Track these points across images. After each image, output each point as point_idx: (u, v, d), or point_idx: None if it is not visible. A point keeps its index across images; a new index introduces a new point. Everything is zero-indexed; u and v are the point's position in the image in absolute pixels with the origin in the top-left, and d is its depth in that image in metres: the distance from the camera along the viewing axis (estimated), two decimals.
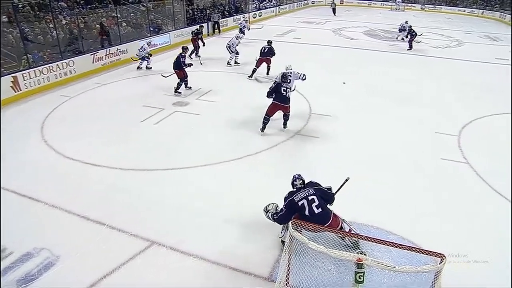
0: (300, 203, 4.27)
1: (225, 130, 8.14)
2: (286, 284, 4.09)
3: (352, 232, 4.48)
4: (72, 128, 7.94)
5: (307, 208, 4.24)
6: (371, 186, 6.03)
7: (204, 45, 14.42)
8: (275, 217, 4.52)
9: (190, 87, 10.47)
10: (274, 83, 7.83)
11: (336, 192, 4.61)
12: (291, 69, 8.78)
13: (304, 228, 3.76)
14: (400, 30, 19.00)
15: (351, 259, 3.01)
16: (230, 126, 8.34)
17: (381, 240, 3.50)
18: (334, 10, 28.20)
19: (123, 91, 10.52)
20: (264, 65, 11.89)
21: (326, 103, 9.69)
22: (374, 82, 11.73)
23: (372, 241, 3.44)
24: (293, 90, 8.06)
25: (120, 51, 13.26)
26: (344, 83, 11.38)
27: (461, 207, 5.75)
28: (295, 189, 4.48)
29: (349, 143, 7.65)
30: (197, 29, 14.74)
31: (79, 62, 11.60)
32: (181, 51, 10.19)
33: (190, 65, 10.19)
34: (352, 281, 3.11)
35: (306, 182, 4.57)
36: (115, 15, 14.79)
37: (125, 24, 15.29)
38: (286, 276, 4.06)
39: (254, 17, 24.19)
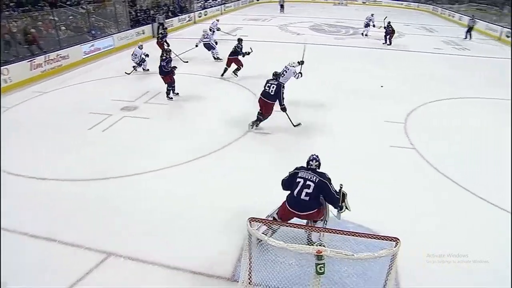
0: (297, 180, 4.29)
1: (178, 133, 7.98)
2: (249, 283, 4.07)
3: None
4: (13, 142, 7.39)
5: (298, 188, 4.25)
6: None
7: (169, 46, 13.75)
8: (283, 178, 4.51)
9: (177, 93, 9.98)
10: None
11: (343, 199, 4.31)
12: (293, 65, 8.84)
13: (263, 224, 3.75)
14: (366, 25, 19.31)
15: (310, 252, 3.04)
16: (182, 128, 8.20)
17: (339, 230, 3.56)
18: (282, 7, 28.41)
19: (66, 99, 9.95)
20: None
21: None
22: (326, 76, 11.99)
23: (331, 232, 3.50)
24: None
25: (60, 57, 12.57)
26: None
27: (414, 193, 6.02)
28: (306, 167, 4.42)
29: (303, 137, 7.76)
30: (161, 33, 14.33)
31: (15, 70, 10.84)
32: (162, 55, 9.79)
33: (175, 68, 9.73)
34: (313, 273, 3.13)
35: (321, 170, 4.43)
36: (52, 18, 14.00)
37: (64, 27, 14.52)
38: (249, 275, 4.03)
39: (200, 16, 23.92)
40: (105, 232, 4.94)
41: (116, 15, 17.06)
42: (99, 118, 8.47)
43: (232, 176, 6.30)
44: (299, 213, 4.30)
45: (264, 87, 7.67)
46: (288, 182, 4.44)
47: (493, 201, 5.76)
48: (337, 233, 3.51)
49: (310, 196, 4.22)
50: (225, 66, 11.69)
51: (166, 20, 19.12)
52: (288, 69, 8.83)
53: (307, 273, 3.62)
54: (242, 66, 11.61)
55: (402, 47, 17.07)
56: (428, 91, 10.78)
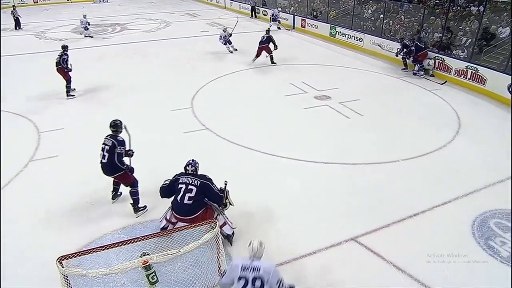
0: (179, 186, 4.33)
1: None
2: None
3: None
4: None
5: (180, 194, 4.30)
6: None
7: None
8: (161, 186, 4.55)
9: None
10: None
11: (226, 196, 4.54)
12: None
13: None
14: (273, 20, 18.76)
15: (137, 266, 2.87)
16: None
17: (158, 232, 3.50)
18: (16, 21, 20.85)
19: None
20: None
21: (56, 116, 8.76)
22: (100, 79, 11.30)
23: (151, 237, 3.39)
24: None
25: None
26: None
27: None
28: (185, 172, 4.49)
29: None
30: None
31: None
32: None
33: None
34: (148, 285, 2.99)
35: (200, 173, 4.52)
36: None
37: None
38: None
39: None
40: None
41: None
42: None
43: None
44: (185, 217, 4.28)
45: None
46: (169, 189, 4.47)
47: (298, 156, 6.71)
48: (159, 236, 3.45)
49: (194, 200, 4.27)
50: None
51: None
52: None
53: (143, 286, 3.44)
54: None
55: (170, 36, 17.65)
56: (203, 72, 11.56)
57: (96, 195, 5.77)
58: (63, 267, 3.07)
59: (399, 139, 7.60)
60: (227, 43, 14.38)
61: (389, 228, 5.07)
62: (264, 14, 22.18)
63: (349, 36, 15.47)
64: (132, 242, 3.48)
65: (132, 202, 5.33)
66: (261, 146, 7.12)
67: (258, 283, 2.99)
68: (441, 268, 4.36)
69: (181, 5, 28.78)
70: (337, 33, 16.23)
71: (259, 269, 3.04)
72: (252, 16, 22.94)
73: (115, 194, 5.68)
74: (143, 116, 8.60)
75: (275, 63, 12.71)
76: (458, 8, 12.81)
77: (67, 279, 3.18)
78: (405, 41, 11.84)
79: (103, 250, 3.41)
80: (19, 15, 20.03)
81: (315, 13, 18.85)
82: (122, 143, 5.04)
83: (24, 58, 14.33)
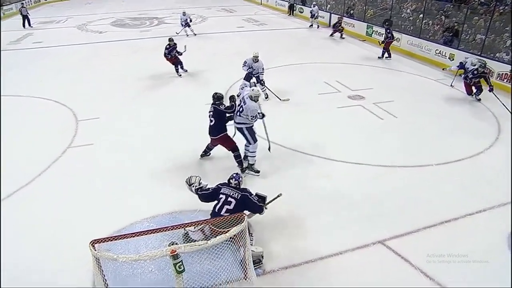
0: (219, 196, 4.41)
1: None
2: None
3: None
4: None
5: (219, 205, 4.35)
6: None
7: None
8: (199, 192, 4.60)
9: None
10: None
11: (266, 204, 4.60)
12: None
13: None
14: (312, 16, 18.64)
15: (165, 254, 2.95)
16: None
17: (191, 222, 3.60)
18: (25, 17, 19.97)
19: None
20: None
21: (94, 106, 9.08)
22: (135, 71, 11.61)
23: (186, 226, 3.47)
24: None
25: None
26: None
27: None
28: (228, 184, 4.56)
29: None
30: None
31: None
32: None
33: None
34: (174, 273, 3.07)
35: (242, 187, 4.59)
36: None
37: None
38: None
39: None
40: None
41: None
42: None
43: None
44: (219, 229, 4.14)
45: None
46: (209, 196, 4.53)
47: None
48: (188, 226, 3.53)
49: (230, 213, 4.19)
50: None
51: None
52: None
53: (169, 275, 3.52)
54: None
55: (208, 30, 17.84)
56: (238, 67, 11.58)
57: (128, 184, 5.97)
58: (95, 250, 3.20)
59: (433, 143, 7.37)
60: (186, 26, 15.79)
61: (418, 233, 4.94)
62: (300, 12, 22.03)
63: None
64: (161, 231, 3.57)
65: (237, 164, 6.15)
66: (292, 144, 7.10)
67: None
68: (471, 277, 4.23)
69: (218, 0, 29.04)
70: (374, 32, 15.91)
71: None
72: (289, 13, 22.82)
73: (205, 154, 6.60)
74: (176, 109, 8.80)
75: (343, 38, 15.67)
76: (505, 7, 12.24)
77: (98, 262, 3.32)
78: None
79: (133, 237, 3.52)
80: (27, 13, 19.54)
81: (351, 11, 18.55)
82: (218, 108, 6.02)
83: (66, 48, 14.91)
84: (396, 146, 7.21)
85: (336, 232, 4.95)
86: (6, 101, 9.25)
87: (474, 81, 9.39)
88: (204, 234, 4.17)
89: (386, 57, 13.32)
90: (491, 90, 9.06)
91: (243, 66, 9.05)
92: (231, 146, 6.17)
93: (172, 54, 10.79)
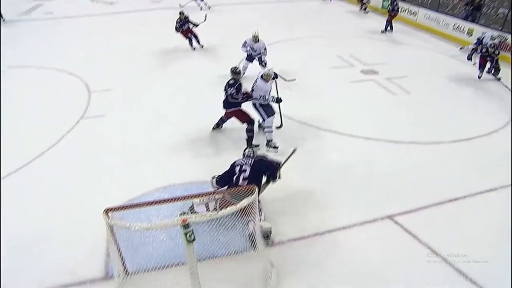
0: (235, 168, 4.45)
1: None
2: (126, 274, 3.91)
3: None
4: None
5: (236, 175, 4.38)
6: None
7: None
8: (217, 179, 4.60)
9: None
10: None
11: (282, 164, 4.63)
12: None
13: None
14: None
15: (176, 224, 3.02)
16: None
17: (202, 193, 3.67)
18: None
19: None
20: None
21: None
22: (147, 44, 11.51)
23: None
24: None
25: None
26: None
27: None
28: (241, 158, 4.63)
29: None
30: None
31: None
32: None
33: None
34: (185, 242, 3.14)
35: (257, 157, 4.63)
36: None
37: None
38: (123, 265, 3.86)
39: None
40: None
41: None
42: None
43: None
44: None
45: None
46: (227, 174, 4.51)
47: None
48: (199, 197, 3.60)
49: (248, 181, 4.28)
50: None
51: None
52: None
53: (179, 244, 3.61)
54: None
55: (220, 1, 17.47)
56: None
57: (140, 155, 6.05)
58: (109, 218, 3.29)
59: (446, 121, 7.27)
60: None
61: (427, 210, 4.95)
62: None
63: (403, 10, 14.68)
64: (173, 201, 3.64)
65: (246, 138, 6.10)
66: (303, 117, 7.08)
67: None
68: (478, 254, 4.25)
69: None
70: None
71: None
72: None
73: (217, 126, 6.59)
74: (189, 82, 8.77)
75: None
76: None
77: (112, 229, 3.42)
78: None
79: (146, 206, 3.60)
80: None
81: None
82: (231, 86, 5.89)
83: (77, 20, 14.79)
84: (408, 123, 7.13)
85: (345, 206, 5.00)
86: (19, 72, 9.34)
87: (488, 58, 9.02)
88: (207, 210, 4.29)
89: (388, 31, 12.98)
90: (490, 72, 8.73)
91: (242, 47, 8.59)
92: (245, 119, 6.14)
93: (183, 27, 10.54)
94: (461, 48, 10.72)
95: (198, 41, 10.96)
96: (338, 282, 3.99)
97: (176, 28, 10.53)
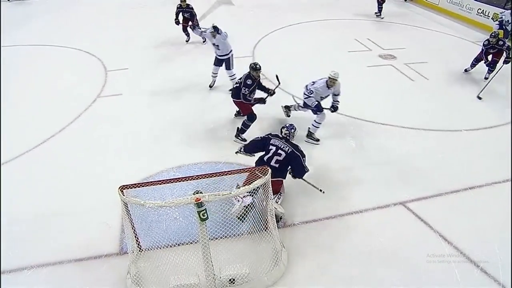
0: (270, 146, 4.37)
1: None
2: (140, 250, 4.01)
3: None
4: None
5: (269, 155, 4.32)
6: None
7: None
8: (244, 148, 4.67)
9: None
10: None
11: (305, 180, 4.59)
12: None
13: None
14: None
15: (190, 202, 3.06)
16: None
17: (216, 173, 3.70)
18: None
19: None
20: None
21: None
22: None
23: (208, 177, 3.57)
24: None
25: None
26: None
27: None
28: (278, 135, 4.52)
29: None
30: None
31: None
32: None
33: None
34: (198, 221, 3.20)
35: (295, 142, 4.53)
36: None
37: None
38: (137, 242, 3.96)
39: None
40: None
41: None
42: None
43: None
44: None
45: None
46: (260, 144, 4.50)
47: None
48: (213, 177, 3.64)
49: (280, 165, 4.28)
50: None
51: None
52: None
53: (192, 222, 3.68)
54: None
55: None
56: (265, 22, 11.29)
57: (156, 134, 6.12)
58: (124, 195, 3.35)
59: (464, 108, 7.13)
60: None
61: (441, 197, 4.92)
62: None
63: None
64: (187, 180, 3.68)
65: (239, 128, 5.97)
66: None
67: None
68: (489, 244, 4.22)
69: None
70: None
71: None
72: None
73: (238, 113, 6.49)
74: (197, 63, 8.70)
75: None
76: None
77: (126, 206, 3.49)
78: None
79: (160, 184, 3.65)
80: None
81: None
82: (247, 86, 5.64)
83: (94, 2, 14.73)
84: (425, 109, 7.00)
85: (357, 191, 5.00)
86: (37, 50, 9.46)
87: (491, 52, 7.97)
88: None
89: (376, 13, 12.48)
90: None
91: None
92: (246, 112, 5.96)
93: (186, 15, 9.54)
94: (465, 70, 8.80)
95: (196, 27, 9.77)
96: (347, 264, 4.04)
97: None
